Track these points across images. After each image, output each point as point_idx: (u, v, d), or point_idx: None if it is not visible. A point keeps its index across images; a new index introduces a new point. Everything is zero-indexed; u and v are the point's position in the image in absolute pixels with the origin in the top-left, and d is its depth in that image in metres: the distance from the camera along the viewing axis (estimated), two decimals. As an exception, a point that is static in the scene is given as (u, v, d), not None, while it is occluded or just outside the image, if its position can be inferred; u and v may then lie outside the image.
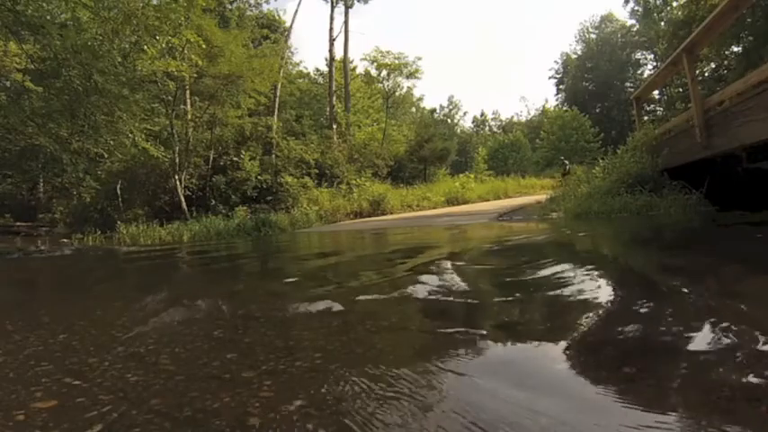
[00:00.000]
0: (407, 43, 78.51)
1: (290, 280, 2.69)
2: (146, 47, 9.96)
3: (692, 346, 1.00)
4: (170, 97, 12.52)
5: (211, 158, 14.24)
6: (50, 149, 9.70)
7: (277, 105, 16.85)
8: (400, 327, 1.41)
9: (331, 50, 19.89)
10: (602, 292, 1.63)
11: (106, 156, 11.42)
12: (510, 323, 1.33)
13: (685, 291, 1.60)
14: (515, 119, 41.76)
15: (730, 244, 2.79)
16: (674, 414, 0.71)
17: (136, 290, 2.82)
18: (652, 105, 26.60)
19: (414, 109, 34.22)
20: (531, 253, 3.09)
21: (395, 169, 18.28)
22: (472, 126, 42.01)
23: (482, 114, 42.68)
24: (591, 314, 1.32)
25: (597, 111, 33.53)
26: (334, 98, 19.34)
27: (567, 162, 16.30)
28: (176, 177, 12.54)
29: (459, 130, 37.66)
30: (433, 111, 36.82)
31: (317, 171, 15.52)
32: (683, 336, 1.08)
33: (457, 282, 2.01)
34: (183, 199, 12.50)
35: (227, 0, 19.46)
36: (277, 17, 23.98)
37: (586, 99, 34.19)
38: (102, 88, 8.82)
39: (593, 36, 36.68)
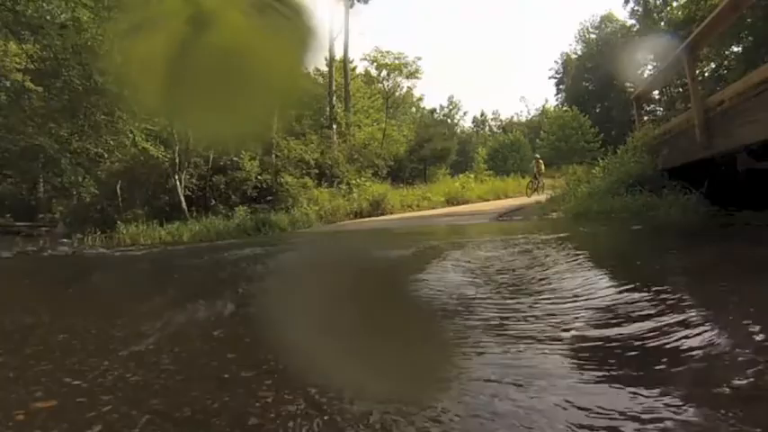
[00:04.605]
0: (407, 43, 78.23)
1: (291, 280, 2.69)
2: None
3: (692, 346, 1.00)
4: (170, 97, 12.49)
5: (211, 158, 14.23)
6: (49, 152, 9.67)
7: (277, 105, 16.80)
8: (401, 328, 1.41)
9: (331, 50, 19.90)
10: (602, 291, 1.63)
11: (106, 156, 11.43)
12: (514, 325, 1.33)
13: (686, 290, 1.60)
14: (515, 119, 41.65)
15: (730, 244, 2.79)
16: (674, 413, 0.71)
17: (136, 290, 2.82)
18: (652, 105, 26.55)
19: (414, 109, 34.13)
20: (531, 253, 3.09)
21: (395, 169, 18.25)
22: (472, 126, 41.92)
23: (482, 114, 42.57)
24: (590, 313, 1.32)
25: (597, 111, 33.45)
26: (335, 98, 19.32)
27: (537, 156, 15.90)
28: (176, 177, 12.53)
29: (459, 130, 37.52)
30: (433, 111, 36.67)
31: (317, 171, 15.50)
32: (684, 335, 1.08)
33: (455, 280, 2.01)
34: (182, 199, 12.50)
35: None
36: (277, 17, 23.91)
37: (586, 99, 34.11)
38: (102, 88, 8.83)
39: (593, 36, 36.60)
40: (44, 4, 8.77)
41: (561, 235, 4.20)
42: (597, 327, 1.22)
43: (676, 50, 5.07)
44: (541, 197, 11.65)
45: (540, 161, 15.07)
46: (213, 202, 13.58)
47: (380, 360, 1.08)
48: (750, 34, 16.34)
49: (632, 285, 1.80)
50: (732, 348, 0.96)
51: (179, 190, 12.51)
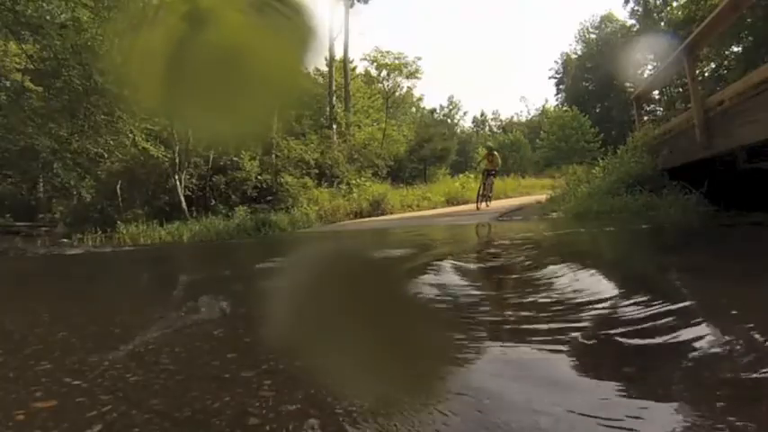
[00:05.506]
0: (407, 43, 78.29)
1: (292, 280, 2.69)
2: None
3: (692, 346, 0.99)
4: (170, 97, 12.50)
5: (211, 158, 14.23)
6: (43, 155, 9.65)
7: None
8: (401, 327, 1.41)
9: (331, 50, 19.90)
10: (602, 291, 1.63)
11: (106, 156, 11.43)
12: (512, 324, 1.33)
13: (685, 290, 1.60)
14: (515, 119, 41.66)
15: (730, 244, 2.79)
16: (674, 413, 0.71)
17: (136, 290, 2.82)
18: (652, 105, 26.57)
19: (414, 109, 34.15)
20: (531, 253, 3.09)
21: (395, 169, 18.26)
22: (472, 126, 41.92)
23: (482, 114, 42.58)
24: (590, 313, 1.32)
25: (597, 111, 33.46)
26: (335, 98, 19.33)
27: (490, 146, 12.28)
28: (176, 177, 12.53)
29: (459, 130, 37.56)
30: (433, 111, 36.72)
31: (317, 171, 15.51)
32: (683, 335, 1.08)
33: (455, 280, 2.01)
34: (182, 199, 12.50)
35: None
36: (277, 17, 23.88)
37: (586, 99, 34.11)
38: (102, 88, 8.83)
39: (593, 36, 36.60)
40: (44, 4, 8.77)
41: (562, 235, 4.20)
42: (596, 326, 1.21)
43: (676, 50, 5.08)
44: (493, 205, 10.02)
45: (496, 153, 10.81)
46: (213, 202, 13.58)
47: (380, 359, 1.08)
48: (750, 34, 16.36)
49: (632, 285, 1.80)
50: (732, 349, 0.96)
51: (179, 190, 12.51)
